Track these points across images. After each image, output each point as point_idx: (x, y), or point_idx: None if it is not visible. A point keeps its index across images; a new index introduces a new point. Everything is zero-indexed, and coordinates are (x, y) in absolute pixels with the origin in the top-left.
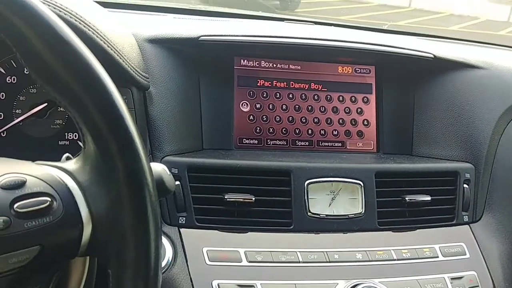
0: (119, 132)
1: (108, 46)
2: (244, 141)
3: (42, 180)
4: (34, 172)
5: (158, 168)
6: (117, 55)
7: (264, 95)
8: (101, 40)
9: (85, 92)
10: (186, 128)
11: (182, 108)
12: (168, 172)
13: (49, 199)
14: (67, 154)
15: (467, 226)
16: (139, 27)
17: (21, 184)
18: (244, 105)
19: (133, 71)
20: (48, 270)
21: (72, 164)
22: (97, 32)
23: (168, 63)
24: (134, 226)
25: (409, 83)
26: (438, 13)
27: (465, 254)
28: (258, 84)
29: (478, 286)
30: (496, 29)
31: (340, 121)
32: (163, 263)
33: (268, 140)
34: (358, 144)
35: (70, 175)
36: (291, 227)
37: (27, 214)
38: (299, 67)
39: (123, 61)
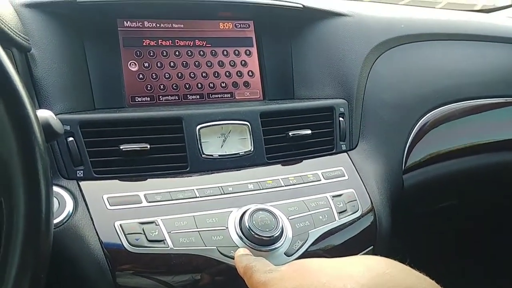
0: (1, 80)
1: None
2: (136, 99)
3: None
4: None
5: (45, 113)
6: None
7: (151, 54)
8: None
9: None
10: (75, 88)
11: (68, 69)
12: (55, 117)
13: None
14: None
15: (345, 153)
16: None
17: None
18: (132, 64)
19: (11, 32)
20: None
21: None
22: None
23: (48, 27)
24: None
25: (285, 33)
26: None
27: (344, 176)
28: (144, 44)
29: (356, 200)
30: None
31: (227, 73)
32: (64, 213)
33: (160, 97)
34: (246, 94)
35: None
36: (187, 169)
37: None
38: (182, 26)
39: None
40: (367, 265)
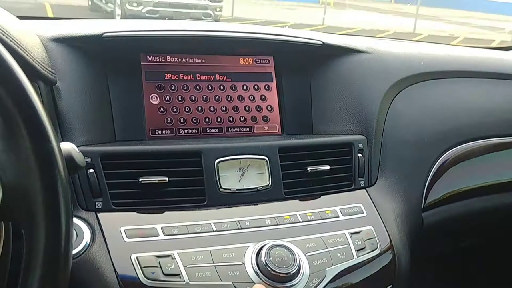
0: (28, 113)
1: (11, 41)
2: (157, 131)
3: None
4: None
5: (67, 146)
6: (21, 50)
7: (172, 88)
8: (3, 35)
9: None
10: (97, 120)
11: (91, 102)
12: (77, 150)
13: None
14: None
15: (364, 190)
16: (43, 29)
17: None
18: (154, 98)
19: (39, 65)
20: None
21: None
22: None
23: (74, 60)
24: (44, 202)
25: (304, 69)
26: (350, 28)
27: (363, 213)
28: (166, 78)
29: (374, 237)
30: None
31: (246, 108)
32: (82, 245)
33: (180, 130)
34: (264, 128)
35: None
36: (205, 203)
37: None
38: (203, 60)
39: (28, 55)
40: None
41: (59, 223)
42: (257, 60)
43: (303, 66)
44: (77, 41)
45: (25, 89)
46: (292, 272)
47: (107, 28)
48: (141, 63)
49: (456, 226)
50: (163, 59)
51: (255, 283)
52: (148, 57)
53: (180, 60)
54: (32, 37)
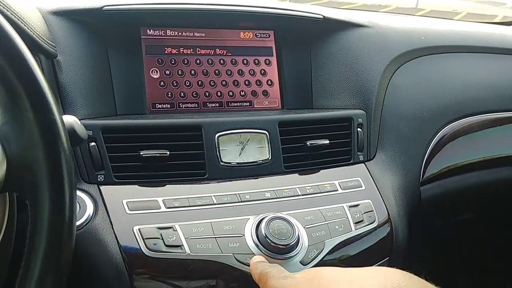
0: (30, 84)
1: (12, 14)
2: (157, 106)
3: None
4: None
5: (70, 119)
6: (22, 23)
7: (173, 62)
8: (4, 8)
9: None
10: (98, 94)
11: (92, 75)
12: (79, 123)
13: None
14: None
15: (362, 164)
16: (43, 2)
17: None
18: (154, 72)
19: (39, 39)
20: None
21: None
22: (2, 2)
23: (74, 34)
24: (48, 173)
25: (305, 43)
26: (351, 3)
27: (361, 187)
28: (166, 52)
29: (372, 210)
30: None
31: (246, 82)
32: (85, 217)
33: (180, 104)
34: (264, 103)
35: None
36: (206, 176)
37: None
38: (203, 34)
39: (28, 28)
40: (382, 277)
41: (63, 193)
42: (257, 34)
43: (303, 41)
44: (77, 14)
45: (27, 60)
46: (291, 244)
47: (107, 1)
48: (141, 37)
49: (453, 200)
50: (163, 33)
51: (255, 254)
52: (148, 31)
53: (180, 34)
54: (33, 11)
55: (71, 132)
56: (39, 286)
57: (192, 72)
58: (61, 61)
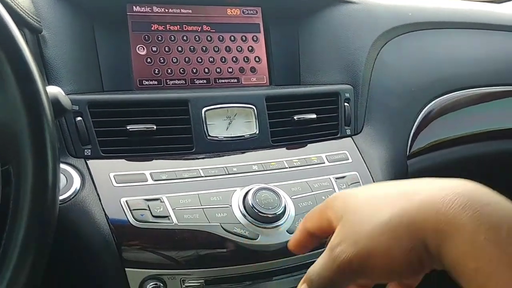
0: (14, 53)
1: None
2: (144, 82)
3: None
4: None
5: (54, 90)
6: None
7: (159, 39)
8: None
9: None
10: (84, 70)
11: (78, 51)
12: (64, 93)
13: None
14: None
15: (350, 138)
16: None
17: None
18: (141, 48)
19: (23, 13)
20: None
21: None
22: None
23: (59, 10)
24: (31, 141)
25: (293, 20)
26: None
27: (348, 159)
28: (152, 28)
29: (359, 182)
30: None
31: (234, 59)
32: (72, 189)
33: (167, 81)
34: (252, 79)
35: None
36: (193, 150)
37: None
38: (190, 11)
39: (12, 2)
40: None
41: (46, 160)
42: (244, 10)
43: (291, 17)
44: None
45: (10, 30)
46: (277, 213)
47: None
48: (128, 13)
49: (440, 173)
50: (149, 9)
51: (242, 224)
52: (134, 7)
53: (166, 10)
54: None
55: (55, 102)
56: (23, 252)
57: (179, 48)
58: (46, 36)
